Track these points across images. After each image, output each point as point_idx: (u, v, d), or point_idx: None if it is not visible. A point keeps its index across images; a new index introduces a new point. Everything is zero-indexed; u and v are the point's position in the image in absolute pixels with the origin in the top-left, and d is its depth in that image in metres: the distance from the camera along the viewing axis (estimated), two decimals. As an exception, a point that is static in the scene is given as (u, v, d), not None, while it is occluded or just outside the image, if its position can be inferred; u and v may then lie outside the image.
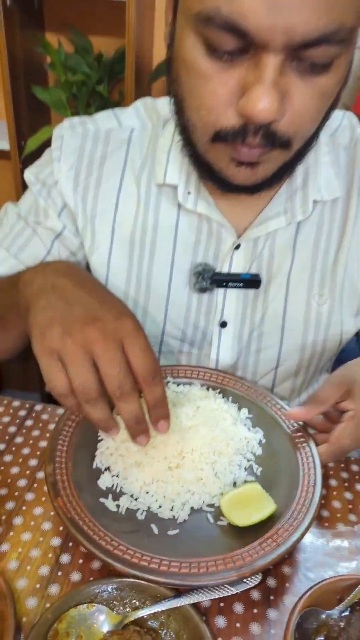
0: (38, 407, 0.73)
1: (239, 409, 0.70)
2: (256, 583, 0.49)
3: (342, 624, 0.47)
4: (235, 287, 0.72)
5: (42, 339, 0.46)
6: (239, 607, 0.51)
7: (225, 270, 0.73)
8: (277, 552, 0.50)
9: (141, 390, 0.50)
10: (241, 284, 0.72)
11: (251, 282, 0.72)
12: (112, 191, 0.73)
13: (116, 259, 0.74)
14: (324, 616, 0.48)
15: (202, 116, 0.53)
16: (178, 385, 0.72)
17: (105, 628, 0.46)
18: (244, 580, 0.49)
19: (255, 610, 0.51)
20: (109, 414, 0.50)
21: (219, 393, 0.72)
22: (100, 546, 0.49)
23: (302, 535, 0.52)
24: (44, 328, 0.47)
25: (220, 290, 0.74)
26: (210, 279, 0.72)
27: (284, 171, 0.60)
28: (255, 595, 0.52)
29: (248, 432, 0.66)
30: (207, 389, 0.72)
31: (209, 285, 0.72)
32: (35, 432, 0.69)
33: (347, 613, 0.48)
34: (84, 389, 0.46)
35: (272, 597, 0.52)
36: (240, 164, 0.56)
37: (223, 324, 0.76)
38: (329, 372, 0.90)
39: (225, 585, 0.49)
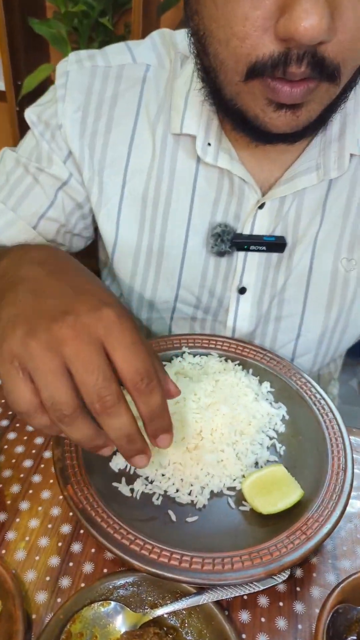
0: None
1: (260, 382, 0.65)
2: (284, 579, 0.46)
3: None
4: (258, 250, 0.65)
5: (2, 342, 0.36)
6: (263, 600, 0.47)
7: (247, 231, 0.66)
8: (307, 547, 0.45)
9: (132, 399, 0.38)
10: (264, 248, 0.65)
11: (275, 245, 0.65)
12: (123, 138, 0.64)
13: (127, 216, 0.67)
14: (356, 613, 0.44)
15: (233, 48, 0.44)
16: (194, 356, 0.66)
17: (123, 628, 0.43)
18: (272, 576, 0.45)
19: (281, 604, 0.47)
20: (94, 430, 0.38)
21: (239, 365, 0.66)
22: (115, 541, 0.45)
23: (334, 526, 0.47)
24: (5, 329, 0.37)
25: (241, 254, 0.67)
26: (230, 242, 0.64)
27: (328, 115, 0.52)
28: (281, 587, 0.48)
29: (271, 408, 0.61)
30: (226, 360, 0.67)
31: (229, 248, 0.65)
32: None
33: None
34: (55, 404, 0.35)
35: (298, 589, 0.48)
36: (280, 106, 0.48)
37: (242, 290, 0.69)
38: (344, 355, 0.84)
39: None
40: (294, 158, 0.62)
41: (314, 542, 0.46)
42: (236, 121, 0.54)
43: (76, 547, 0.50)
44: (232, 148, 0.62)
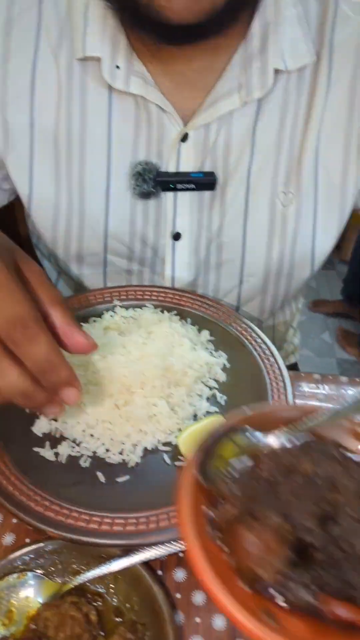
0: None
1: (199, 331, 0.60)
2: (217, 533, 0.42)
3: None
4: (186, 189, 0.60)
5: None
6: (201, 557, 0.44)
7: (172, 169, 0.60)
8: (241, 497, 0.42)
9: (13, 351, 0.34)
10: (193, 186, 0.59)
11: (205, 182, 0.60)
12: (23, 69, 0.58)
13: (40, 160, 0.60)
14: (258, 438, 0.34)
15: None
16: (127, 309, 0.61)
17: (41, 599, 0.39)
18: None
19: (220, 559, 0.44)
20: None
21: (176, 315, 0.62)
22: (27, 508, 0.41)
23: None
24: None
25: (169, 195, 0.61)
26: (154, 181, 0.59)
27: (238, 8, 0.46)
28: (220, 541, 0.45)
29: (210, 357, 0.57)
30: (162, 311, 0.62)
31: (152, 188, 0.59)
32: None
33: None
34: None
35: (239, 542, 0.45)
36: None
37: (176, 236, 0.64)
38: (304, 298, 0.80)
39: (182, 538, 0.42)
40: (215, 80, 0.56)
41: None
42: (133, 17, 0.48)
43: (-4, 520, 0.46)
44: (145, 71, 0.55)
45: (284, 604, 0.25)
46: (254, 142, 0.59)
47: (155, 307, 0.62)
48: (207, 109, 0.57)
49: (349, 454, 0.32)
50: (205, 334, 0.59)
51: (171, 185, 0.59)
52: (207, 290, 0.69)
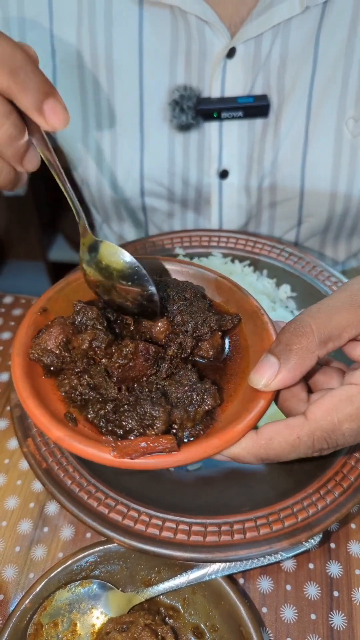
0: (8, 300, 0.55)
1: (278, 286, 0.50)
2: (314, 545, 0.35)
3: None
4: (233, 118, 0.48)
5: None
6: (288, 563, 0.37)
7: (215, 94, 0.48)
8: (345, 504, 0.34)
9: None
10: (241, 114, 0.48)
11: (256, 108, 0.48)
12: None
13: (64, 94, 0.49)
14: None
15: None
16: (191, 258, 0.52)
17: (109, 612, 0.34)
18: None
19: (311, 566, 0.37)
20: None
21: (249, 266, 0.51)
22: (90, 509, 0.34)
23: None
24: None
25: (213, 127, 0.50)
26: (194, 110, 0.48)
27: None
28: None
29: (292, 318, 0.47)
30: (232, 260, 0.52)
31: (192, 119, 0.48)
32: None
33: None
34: None
35: (333, 546, 0.38)
36: None
37: (223, 174, 0.53)
38: None
39: (271, 549, 0.35)
40: None
41: (354, 498, 0.35)
42: None
43: (52, 509, 0.40)
44: None
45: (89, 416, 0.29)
46: (317, 55, 0.46)
47: (224, 255, 0.52)
48: (258, 17, 0.44)
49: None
50: (286, 289, 0.50)
51: (215, 115, 0.48)
52: (260, 231, 0.59)
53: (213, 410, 0.30)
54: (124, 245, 0.53)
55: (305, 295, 0.49)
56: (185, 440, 0.29)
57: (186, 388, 0.30)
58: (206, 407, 0.29)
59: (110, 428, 0.29)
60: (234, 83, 0.48)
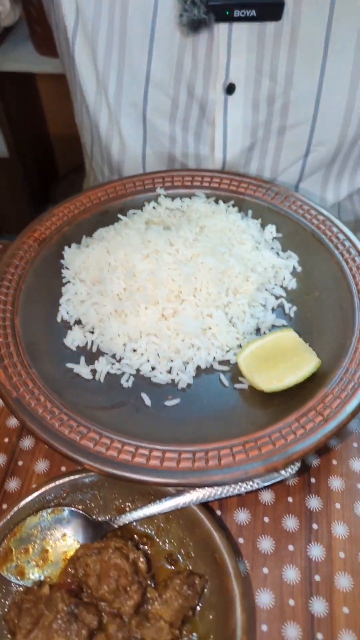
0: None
1: (263, 226, 0.49)
2: (292, 474, 0.34)
3: None
4: (245, 17, 0.45)
5: None
6: (267, 497, 0.37)
7: None
8: (324, 432, 0.34)
9: None
10: (253, 12, 0.45)
11: (269, 5, 0.45)
12: None
13: None
14: None
15: None
16: (173, 199, 0.50)
17: (81, 539, 0.33)
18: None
19: (290, 499, 0.37)
20: None
21: (233, 206, 0.50)
22: (60, 435, 0.33)
23: (361, 404, 0.35)
24: None
25: (223, 30, 0.47)
26: (206, 5, 0.45)
27: None
28: (290, 479, 0.38)
29: (277, 259, 0.46)
30: (216, 201, 0.50)
31: (204, 14, 0.45)
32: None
33: None
34: None
35: (313, 481, 0.38)
36: None
37: (230, 89, 0.50)
38: None
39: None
40: None
41: (334, 425, 0.34)
42: None
43: (27, 443, 0.39)
44: None
45: None
46: None
47: (208, 196, 0.50)
48: None
49: None
50: (271, 230, 0.48)
51: (227, 12, 0.45)
52: (265, 163, 0.56)
53: None
54: (103, 185, 0.51)
55: (292, 235, 0.48)
56: None
57: None
58: None
59: None
60: None
